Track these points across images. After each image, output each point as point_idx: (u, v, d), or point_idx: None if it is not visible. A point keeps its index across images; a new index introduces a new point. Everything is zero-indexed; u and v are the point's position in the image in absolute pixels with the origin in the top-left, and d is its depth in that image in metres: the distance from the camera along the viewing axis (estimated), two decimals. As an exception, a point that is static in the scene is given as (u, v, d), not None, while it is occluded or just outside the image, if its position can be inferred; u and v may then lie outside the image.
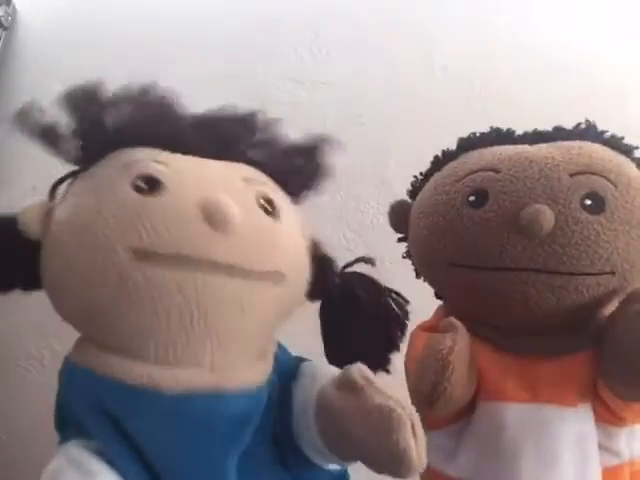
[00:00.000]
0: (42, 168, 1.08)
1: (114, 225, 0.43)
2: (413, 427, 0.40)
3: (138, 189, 0.45)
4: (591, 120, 0.60)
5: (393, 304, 0.58)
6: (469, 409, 0.57)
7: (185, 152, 0.50)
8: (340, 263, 0.59)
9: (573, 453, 0.54)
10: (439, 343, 0.52)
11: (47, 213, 0.48)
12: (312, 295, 0.56)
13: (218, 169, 0.50)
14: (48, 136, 0.50)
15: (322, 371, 0.53)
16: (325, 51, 1.18)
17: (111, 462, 0.43)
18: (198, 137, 0.51)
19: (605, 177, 0.53)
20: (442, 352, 0.51)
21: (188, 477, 0.45)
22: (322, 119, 1.12)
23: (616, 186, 0.53)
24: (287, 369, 0.54)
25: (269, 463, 0.50)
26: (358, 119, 1.15)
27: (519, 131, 0.62)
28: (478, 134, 0.63)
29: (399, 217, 0.66)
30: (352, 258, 0.60)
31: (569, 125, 0.61)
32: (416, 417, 0.41)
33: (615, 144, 0.58)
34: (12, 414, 1.04)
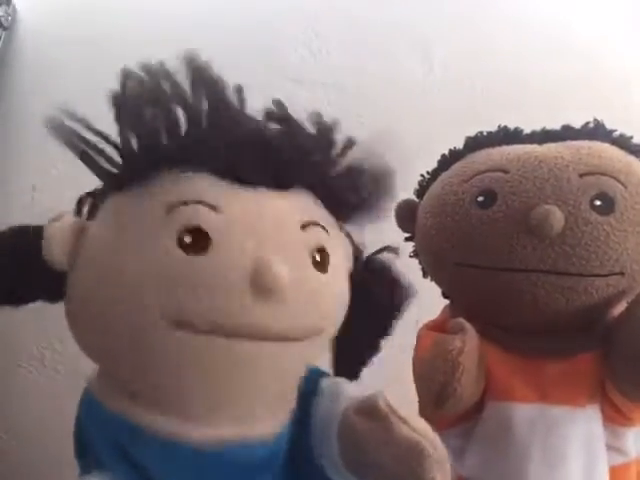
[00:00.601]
0: (42, 168, 1.09)
1: (152, 288, 0.39)
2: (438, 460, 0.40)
3: (183, 244, 0.40)
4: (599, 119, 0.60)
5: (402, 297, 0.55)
6: (477, 409, 0.57)
7: (244, 181, 0.44)
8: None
9: (581, 453, 0.54)
10: (448, 344, 0.52)
11: (76, 235, 0.43)
12: None
13: (276, 212, 0.44)
14: (80, 149, 0.44)
15: (343, 391, 0.50)
16: (325, 51, 1.18)
17: None
18: (260, 167, 0.44)
19: (615, 177, 0.53)
20: (452, 353, 0.51)
21: None
22: (322, 119, 1.11)
23: (626, 187, 0.53)
24: (306, 385, 0.51)
25: None
26: (358, 119, 1.15)
27: (526, 130, 0.62)
28: (485, 133, 0.63)
29: (406, 216, 0.66)
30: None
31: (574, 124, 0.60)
32: (441, 448, 0.41)
33: (624, 143, 0.58)
34: (12, 414, 1.03)
